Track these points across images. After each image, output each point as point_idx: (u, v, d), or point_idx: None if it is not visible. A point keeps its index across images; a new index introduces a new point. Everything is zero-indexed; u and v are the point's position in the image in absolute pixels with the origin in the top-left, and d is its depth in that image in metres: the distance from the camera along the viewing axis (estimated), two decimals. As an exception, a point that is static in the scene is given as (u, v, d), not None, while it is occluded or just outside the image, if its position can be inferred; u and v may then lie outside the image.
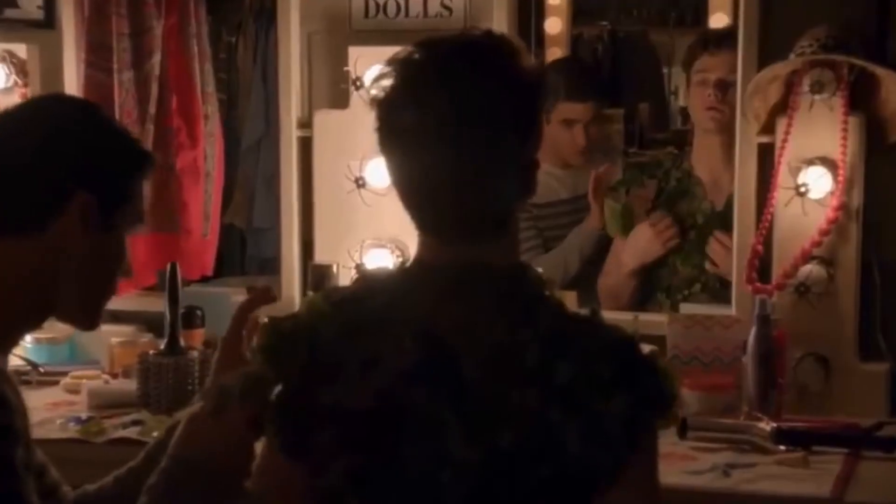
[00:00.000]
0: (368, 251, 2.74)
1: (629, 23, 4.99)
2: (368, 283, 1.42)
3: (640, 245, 2.87)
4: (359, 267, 2.63)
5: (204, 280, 3.14)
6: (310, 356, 1.35)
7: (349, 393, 1.33)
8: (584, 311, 1.41)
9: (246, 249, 3.89)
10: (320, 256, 2.82)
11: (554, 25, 4.29)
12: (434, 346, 1.33)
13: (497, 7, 2.76)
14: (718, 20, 4.11)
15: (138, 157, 1.51)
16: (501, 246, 1.39)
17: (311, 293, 1.43)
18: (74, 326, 1.55)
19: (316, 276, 2.74)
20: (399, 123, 1.34)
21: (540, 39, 4.22)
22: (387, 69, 1.35)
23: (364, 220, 2.72)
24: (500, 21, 2.72)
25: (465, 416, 1.31)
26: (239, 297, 2.79)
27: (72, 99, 1.47)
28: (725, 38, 2.81)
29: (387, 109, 1.35)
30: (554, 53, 4.14)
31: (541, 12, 4.25)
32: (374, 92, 1.36)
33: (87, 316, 1.51)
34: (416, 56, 1.35)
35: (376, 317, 1.35)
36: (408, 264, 1.43)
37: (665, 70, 4.99)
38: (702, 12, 4.56)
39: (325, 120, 2.82)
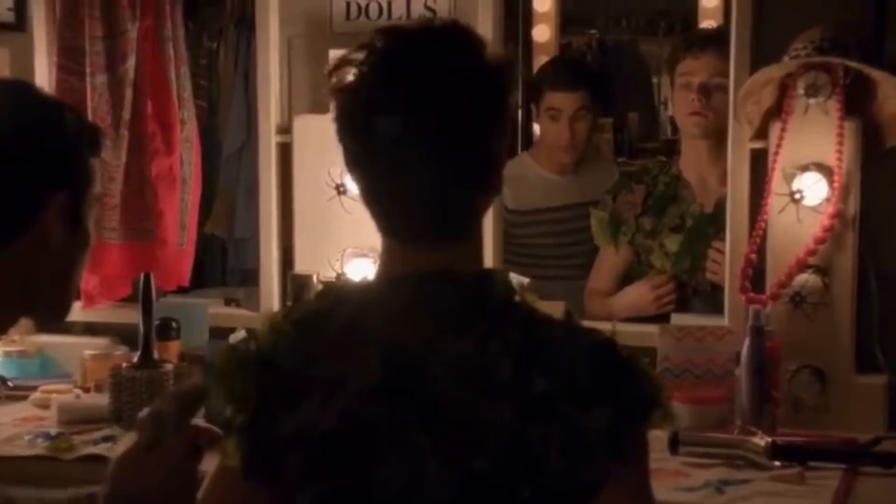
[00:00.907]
0: (350, 260, 2.70)
1: (618, 31, 5.03)
2: (331, 297, 1.37)
3: (635, 302, 2.83)
4: (326, 280, 2.57)
5: (182, 291, 3.10)
6: (270, 380, 1.30)
7: (314, 417, 1.28)
8: (559, 315, 1.35)
9: (227, 260, 3.85)
10: (300, 266, 2.78)
11: (542, 33, 4.35)
12: (400, 363, 1.28)
13: (482, 11, 2.71)
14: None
15: (93, 135, 1.45)
16: (467, 251, 1.35)
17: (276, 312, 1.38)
18: (46, 323, 1.52)
19: (296, 286, 2.70)
20: (358, 116, 1.31)
21: (528, 47, 4.28)
22: (347, 58, 1.32)
23: (345, 229, 2.67)
24: (485, 27, 2.68)
25: (438, 436, 1.27)
26: (217, 308, 2.94)
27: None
28: (710, 41, 2.81)
29: (346, 101, 1.31)
30: (542, 62, 4.14)
31: (528, 19, 4.31)
32: (333, 81, 1.32)
33: (64, 310, 1.46)
34: (378, 45, 1.31)
35: (340, 334, 1.31)
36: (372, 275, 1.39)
37: (654, 79, 5.04)
38: (691, 21, 4.61)
39: (305, 125, 2.78)
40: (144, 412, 1.41)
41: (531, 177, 3.20)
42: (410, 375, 1.28)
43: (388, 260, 1.35)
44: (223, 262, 3.87)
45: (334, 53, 2.59)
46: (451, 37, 1.33)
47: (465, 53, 1.32)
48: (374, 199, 1.33)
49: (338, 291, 1.38)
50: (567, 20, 4.67)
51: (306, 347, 1.30)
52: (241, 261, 3.71)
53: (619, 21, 5.13)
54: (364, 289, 1.39)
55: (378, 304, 1.32)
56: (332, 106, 1.32)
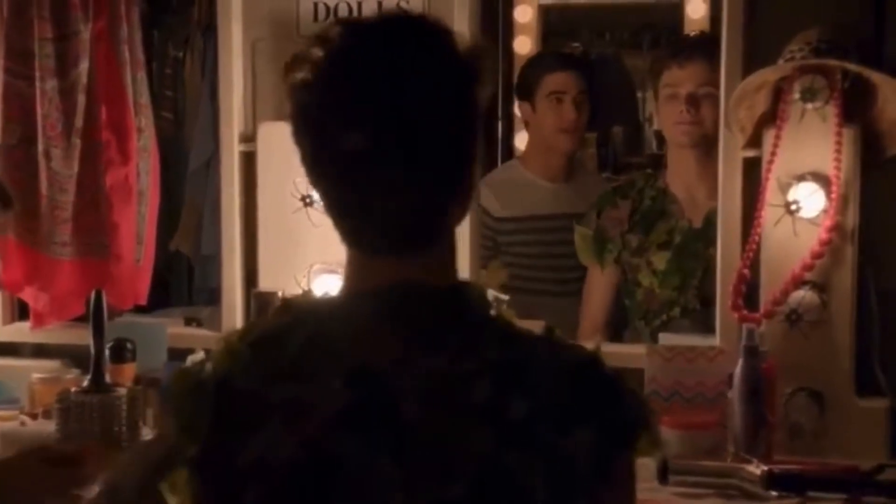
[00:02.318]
0: (317, 276, 2.62)
1: (602, 45, 4.97)
2: (291, 314, 1.30)
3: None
4: (284, 296, 2.50)
5: (143, 311, 3.02)
6: (225, 406, 1.25)
7: (273, 445, 1.22)
8: (538, 330, 1.30)
9: (194, 279, 3.73)
10: (265, 283, 2.70)
11: (523, 44, 4.25)
12: (367, 386, 1.23)
13: (458, 19, 2.63)
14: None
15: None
16: (439, 262, 1.29)
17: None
18: None
19: (260, 304, 2.62)
20: (317, 114, 1.25)
21: (509, 59, 4.18)
22: (303, 55, 1.26)
23: (312, 243, 2.60)
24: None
25: (408, 466, 1.20)
26: (177, 329, 2.85)
27: None
28: (696, 48, 2.78)
29: (303, 102, 1.26)
30: None
31: (509, 30, 4.23)
32: (291, 77, 1.26)
33: None
34: (336, 40, 1.26)
35: (300, 354, 1.25)
36: (336, 290, 1.33)
37: (639, 94, 4.97)
38: (678, 34, 4.51)
39: (271, 133, 2.70)
40: (98, 486, 1.32)
41: (521, 183, 3.19)
42: (378, 398, 1.22)
43: (353, 273, 1.29)
44: (189, 280, 3.77)
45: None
46: (416, 29, 1.28)
47: (431, 46, 1.26)
48: (335, 207, 1.28)
49: (297, 308, 1.32)
50: (549, 32, 4.60)
51: (264, 369, 1.25)
52: (208, 279, 3.58)
53: (602, 34, 5.05)
54: (326, 304, 1.33)
55: (342, 320, 1.27)
56: (289, 106, 1.27)
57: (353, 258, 1.29)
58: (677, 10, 4.19)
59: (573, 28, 4.84)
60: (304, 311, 1.30)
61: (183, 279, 3.78)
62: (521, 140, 3.86)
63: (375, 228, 1.26)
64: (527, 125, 3.28)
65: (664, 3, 4.35)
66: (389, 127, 1.22)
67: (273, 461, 1.21)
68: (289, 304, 1.32)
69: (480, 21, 2.73)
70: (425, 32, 1.27)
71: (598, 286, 2.87)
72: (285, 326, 1.27)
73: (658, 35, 4.80)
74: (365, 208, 1.25)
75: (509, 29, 4.23)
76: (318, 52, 1.24)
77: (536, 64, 3.27)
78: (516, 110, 3.86)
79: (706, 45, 2.72)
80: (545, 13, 4.42)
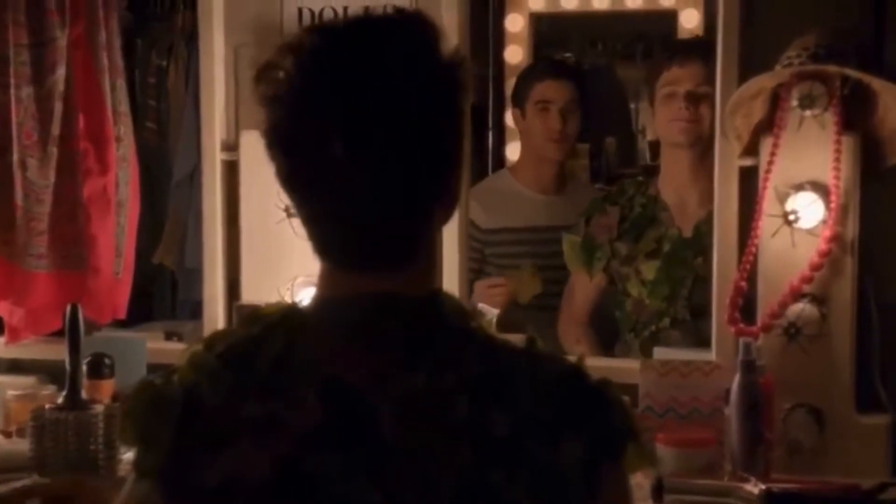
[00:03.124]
0: (301, 289, 2.58)
1: (594, 55, 4.98)
2: (260, 324, 1.26)
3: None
4: (252, 304, 2.50)
5: (124, 325, 3.00)
6: (192, 421, 1.22)
7: (242, 464, 1.19)
8: (519, 342, 1.27)
9: (177, 292, 3.71)
10: (247, 296, 2.68)
11: (514, 54, 4.19)
12: (342, 401, 1.20)
13: (447, 27, 2.56)
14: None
15: None
16: (419, 274, 1.26)
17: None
18: None
19: (242, 318, 2.50)
20: (291, 126, 1.22)
21: (499, 69, 4.15)
22: (274, 62, 1.22)
23: (296, 255, 2.54)
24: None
25: (387, 486, 1.17)
26: (157, 343, 2.82)
27: None
28: (694, 48, 2.81)
29: (275, 112, 1.22)
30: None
31: (500, 40, 4.19)
32: (262, 88, 1.22)
33: None
34: (308, 46, 1.22)
35: (272, 367, 1.22)
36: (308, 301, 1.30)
37: (632, 105, 4.97)
38: (672, 42, 4.50)
39: (253, 141, 2.56)
40: None
41: (511, 193, 3.19)
42: (354, 414, 1.19)
43: (326, 284, 1.26)
44: (173, 294, 3.74)
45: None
46: (394, 29, 1.24)
47: (412, 48, 1.22)
48: (310, 219, 1.25)
49: (268, 318, 1.27)
50: (541, 42, 4.56)
51: (233, 383, 1.22)
52: (192, 292, 3.54)
53: (594, 44, 5.06)
54: (298, 315, 1.27)
55: (315, 331, 1.24)
56: (261, 117, 1.24)
57: (327, 270, 1.26)
58: (670, 20, 4.17)
59: (565, 38, 4.83)
60: (274, 321, 1.26)
61: (166, 293, 3.76)
62: (511, 150, 3.85)
63: (351, 242, 1.23)
64: (520, 134, 3.27)
65: (657, 13, 4.33)
66: (366, 139, 1.19)
67: (243, 480, 1.18)
68: (258, 315, 1.28)
69: (471, 30, 2.71)
70: (405, 35, 1.23)
71: (582, 289, 2.87)
72: (255, 338, 1.24)
73: (651, 45, 4.78)
74: (340, 221, 1.22)
75: (500, 38, 4.20)
76: (289, 61, 1.21)
77: (529, 72, 3.28)
78: (507, 120, 3.88)
79: (704, 47, 2.73)
80: (536, 22, 4.38)
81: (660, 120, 2.82)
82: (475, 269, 3.04)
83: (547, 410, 1.21)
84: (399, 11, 1.25)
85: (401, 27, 1.24)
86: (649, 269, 2.76)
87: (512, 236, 3.12)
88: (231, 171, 2.73)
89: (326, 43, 1.23)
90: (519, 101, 3.16)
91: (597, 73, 4.84)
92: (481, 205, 3.10)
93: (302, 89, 1.20)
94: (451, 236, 2.52)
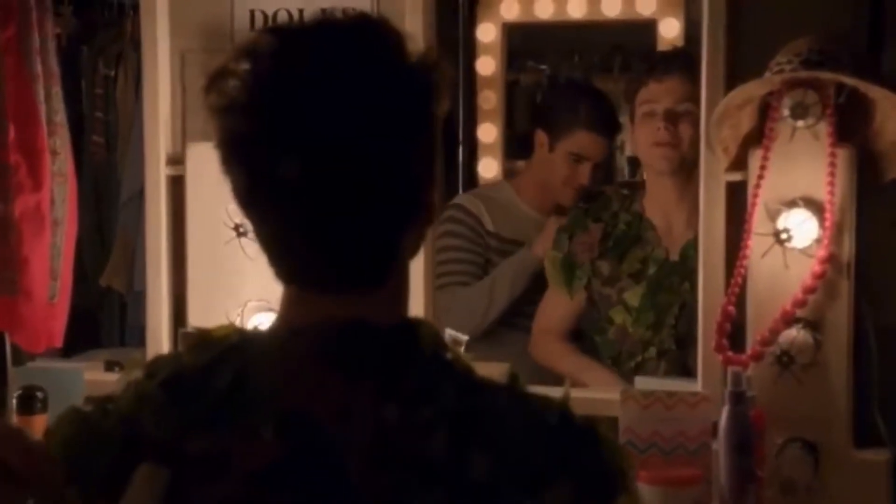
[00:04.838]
0: (252, 315, 2.54)
1: (570, 68, 4.97)
2: (211, 352, 1.24)
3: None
4: (200, 329, 2.37)
5: (65, 353, 2.94)
6: (132, 459, 1.20)
7: None
8: (501, 379, 1.25)
9: (126, 317, 3.65)
10: (194, 321, 2.62)
11: (486, 65, 4.16)
12: (303, 436, 1.17)
13: (413, 37, 2.54)
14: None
15: None
16: (386, 298, 1.24)
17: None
18: None
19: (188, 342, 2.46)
20: (246, 139, 1.19)
21: (471, 80, 4.12)
22: (227, 69, 1.20)
23: (247, 277, 2.52)
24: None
25: None
26: (96, 374, 2.72)
27: None
28: (674, 62, 2.80)
29: (229, 124, 1.20)
30: (487, 97, 4.05)
31: (471, 50, 4.16)
32: (213, 98, 1.20)
33: None
34: (265, 50, 1.20)
35: (223, 399, 1.19)
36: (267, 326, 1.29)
37: None
38: (652, 54, 4.51)
39: (201, 154, 2.60)
40: None
41: (514, 208, 3.19)
42: (316, 451, 1.17)
43: (290, 309, 1.24)
44: (122, 319, 3.68)
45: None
46: (359, 35, 1.22)
47: (376, 53, 1.20)
48: (271, 240, 1.23)
49: (217, 343, 1.25)
50: (515, 53, 4.56)
51: (180, 415, 1.20)
52: (142, 317, 3.33)
53: (570, 56, 5.06)
54: (255, 340, 1.26)
55: (274, 359, 1.21)
56: (214, 130, 1.21)
57: (291, 294, 1.24)
58: (649, 30, 4.12)
59: (540, 49, 4.84)
60: (227, 347, 1.23)
61: (115, 318, 3.69)
62: (483, 167, 3.82)
63: (317, 264, 1.21)
64: (536, 160, 3.23)
65: (636, 23, 4.33)
66: (330, 152, 1.17)
67: None
68: (206, 339, 1.26)
69: (440, 40, 2.70)
70: (370, 38, 1.21)
71: (559, 306, 2.85)
72: (205, 365, 1.22)
73: (629, 57, 4.79)
74: (305, 243, 1.20)
75: (471, 49, 4.16)
76: (244, 67, 1.19)
77: (573, 106, 3.16)
78: (480, 134, 3.86)
79: (684, 59, 2.73)
80: (509, 32, 4.35)
81: (639, 142, 2.80)
82: (475, 274, 3.05)
83: (530, 452, 1.19)
84: (362, 14, 1.22)
85: (365, 29, 1.22)
86: (634, 296, 2.75)
87: (515, 248, 3.10)
88: (177, 187, 2.69)
89: (285, 46, 1.20)
90: (552, 131, 3.13)
91: None
92: (487, 209, 3.12)
93: (260, 98, 1.18)
94: (417, 258, 2.48)
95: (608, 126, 3.13)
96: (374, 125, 1.18)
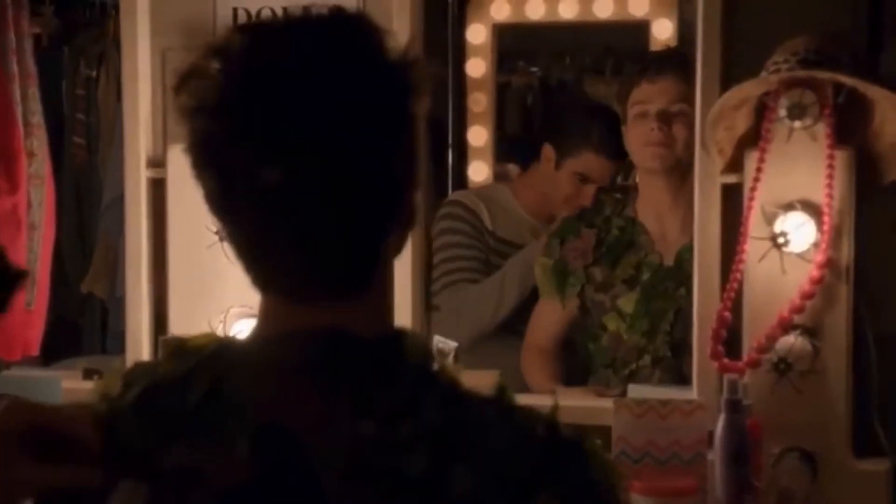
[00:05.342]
0: (234, 321, 2.51)
1: (562, 71, 5.01)
2: (187, 361, 1.22)
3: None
4: (177, 338, 2.35)
5: (45, 362, 2.95)
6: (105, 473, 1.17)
7: None
8: (489, 391, 1.23)
9: (108, 324, 3.63)
10: (175, 328, 2.60)
11: (476, 67, 4.15)
12: (279, 451, 1.15)
13: (401, 38, 2.53)
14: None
15: None
16: (369, 307, 1.22)
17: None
18: None
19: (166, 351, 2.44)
20: (218, 141, 1.17)
21: (461, 82, 4.13)
22: (197, 68, 1.18)
23: (229, 283, 2.47)
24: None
25: None
26: (74, 383, 2.67)
27: None
28: (667, 62, 2.80)
29: (201, 127, 1.18)
30: (477, 100, 4.05)
31: (461, 52, 4.16)
32: (183, 98, 1.18)
33: None
34: (236, 48, 1.17)
35: (197, 411, 1.18)
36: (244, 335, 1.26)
37: None
38: (644, 55, 4.53)
39: (183, 156, 2.50)
40: None
41: (514, 212, 3.19)
42: (292, 467, 1.15)
43: (269, 319, 1.22)
44: (104, 326, 3.66)
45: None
46: (332, 29, 1.19)
47: (353, 49, 1.18)
48: (247, 248, 1.20)
49: (195, 352, 1.23)
50: (505, 55, 4.58)
51: (153, 429, 1.18)
52: (124, 324, 3.28)
53: (562, 59, 5.12)
54: (232, 350, 1.23)
55: (250, 370, 1.19)
56: (185, 132, 1.19)
57: (269, 303, 1.22)
58: (642, 31, 4.13)
59: (531, 51, 4.86)
60: (204, 357, 1.21)
61: (96, 325, 3.69)
62: (474, 170, 3.81)
63: (295, 271, 1.19)
64: (542, 171, 3.22)
65: (628, 24, 4.36)
66: (307, 153, 1.15)
67: None
68: (184, 348, 1.23)
69: (430, 41, 2.74)
70: (346, 34, 1.19)
71: (551, 316, 2.82)
72: (179, 376, 1.20)
73: (622, 59, 4.76)
74: (282, 248, 1.18)
75: (461, 50, 4.16)
76: (216, 67, 1.16)
77: (585, 127, 3.15)
78: (469, 137, 3.84)
79: (677, 59, 2.74)
80: (500, 34, 4.35)
81: (632, 144, 2.78)
82: (471, 276, 3.03)
83: (516, 467, 1.17)
84: (338, 9, 1.19)
85: (341, 25, 1.19)
86: (628, 302, 2.73)
87: (514, 251, 3.10)
88: (158, 190, 2.66)
89: (257, 44, 1.18)
90: (560, 148, 3.12)
91: (565, 88, 4.92)
92: (488, 210, 3.11)
93: (231, 99, 1.16)
94: (404, 266, 2.47)
95: (618, 150, 3.11)
96: (351, 123, 1.16)
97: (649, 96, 2.69)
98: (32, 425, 1.14)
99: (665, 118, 2.67)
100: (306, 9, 1.20)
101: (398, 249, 1.23)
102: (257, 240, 1.19)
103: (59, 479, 1.16)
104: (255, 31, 1.20)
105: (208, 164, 1.18)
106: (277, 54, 1.17)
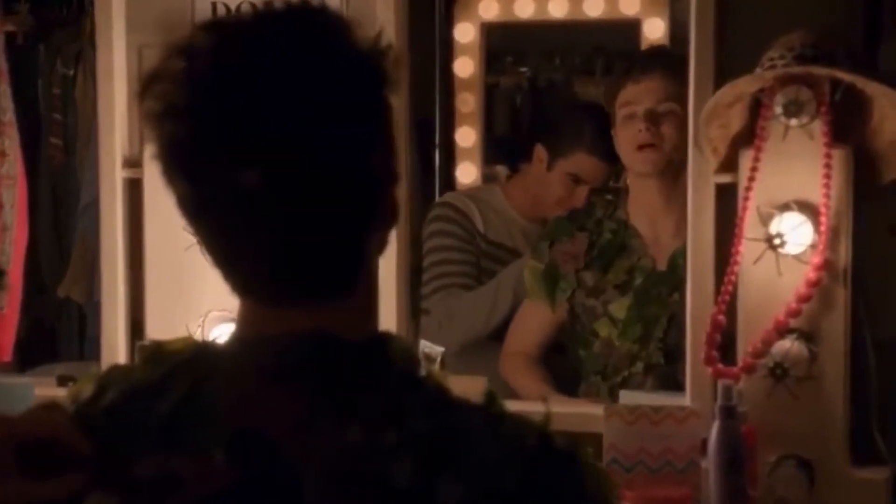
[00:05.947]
0: (213, 325, 2.50)
1: (551, 71, 5.02)
2: (164, 366, 1.21)
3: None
4: (154, 342, 2.35)
5: (21, 367, 3.00)
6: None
7: None
8: (477, 398, 1.21)
9: (86, 328, 3.62)
10: (152, 333, 2.58)
11: (464, 67, 4.15)
12: (257, 459, 1.14)
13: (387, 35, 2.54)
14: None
15: None
16: (352, 309, 1.20)
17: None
18: None
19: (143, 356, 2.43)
20: (188, 145, 1.15)
21: (448, 82, 4.13)
22: (162, 71, 1.17)
23: (208, 286, 2.38)
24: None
25: None
26: (47, 389, 2.63)
27: None
28: (654, 60, 2.81)
29: (168, 131, 1.16)
30: (465, 100, 4.04)
31: (448, 51, 4.17)
32: (149, 103, 1.16)
33: None
34: (202, 48, 1.16)
35: (173, 417, 1.16)
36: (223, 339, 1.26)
37: None
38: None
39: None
40: None
41: (505, 213, 3.19)
42: (271, 476, 1.14)
43: (248, 323, 1.21)
44: (81, 331, 3.65)
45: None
46: (297, 22, 1.18)
47: (320, 41, 1.17)
48: (223, 256, 1.19)
49: (172, 357, 1.22)
50: (494, 55, 4.58)
51: (127, 436, 1.17)
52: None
53: (552, 59, 5.11)
54: (209, 354, 1.23)
55: (227, 375, 1.18)
56: (151, 137, 1.17)
57: (249, 307, 1.21)
58: (633, 30, 4.13)
59: (520, 50, 4.86)
60: (181, 362, 1.20)
61: (73, 330, 3.68)
62: (462, 172, 3.80)
63: (276, 277, 1.18)
64: (533, 174, 3.22)
65: (619, 23, 4.38)
66: (280, 151, 1.13)
67: None
68: (161, 353, 1.23)
69: (417, 40, 2.71)
70: (312, 27, 1.17)
71: (538, 320, 2.81)
72: (157, 381, 1.19)
73: (612, 59, 4.76)
74: (261, 251, 1.16)
75: (449, 49, 4.16)
76: (180, 67, 1.15)
77: (577, 127, 3.15)
78: (457, 138, 3.84)
79: (664, 58, 2.75)
80: (488, 33, 4.35)
81: (622, 147, 2.76)
82: (469, 275, 3.02)
83: (507, 478, 1.16)
84: (302, 2, 1.18)
85: (306, 18, 1.18)
86: (620, 308, 2.73)
87: (506, 255, 3.10)
88: (134, 191, 2.65)
89: (222, 41, 1.16)
90: (552, 149, 3.12)
91: (554, 89, 4.91)
92: (479, 212, 3.11)
93: (199, 100, 1.14)
94: (388, 269, 2.44)
95: (612, 150, 3.12)
96: (323, 117, 1.15)
97: (636, 97, 2.69)
98: (12, 437, 1.11)
99: (653, 118, 2.66)
100: (268, 3, 1.18)
101: (381, 247, 1.22)
102: (236, 245, 1.18)
103: (49, 492, 1.14)
104: (218, 29, 1.19)
105: (180, 169, 1.16)
106: (241, 51, 1.16)
